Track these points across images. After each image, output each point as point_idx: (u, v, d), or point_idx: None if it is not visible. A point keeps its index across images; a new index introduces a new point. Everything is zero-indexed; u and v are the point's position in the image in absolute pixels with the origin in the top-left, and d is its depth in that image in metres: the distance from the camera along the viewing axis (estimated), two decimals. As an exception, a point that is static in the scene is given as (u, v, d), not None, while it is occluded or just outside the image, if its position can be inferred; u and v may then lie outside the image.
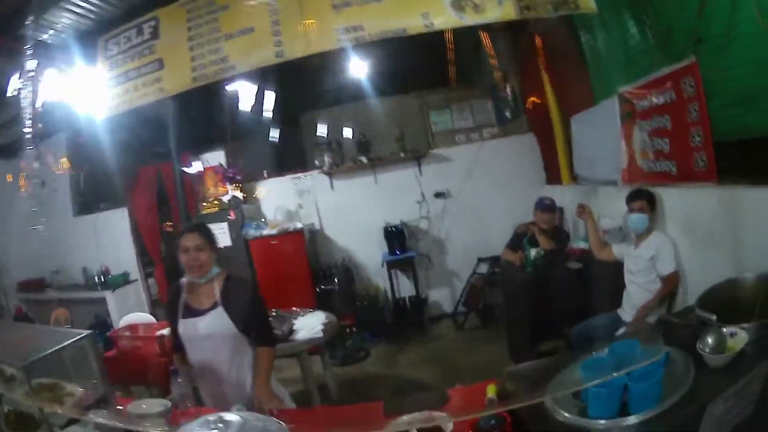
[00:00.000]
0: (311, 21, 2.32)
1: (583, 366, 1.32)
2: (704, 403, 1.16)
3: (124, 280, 4.91)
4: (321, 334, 2.95)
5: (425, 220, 4.97)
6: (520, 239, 3.63)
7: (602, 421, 1.16)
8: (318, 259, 5.01)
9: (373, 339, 4.73)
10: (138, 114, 3.54)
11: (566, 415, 1.24)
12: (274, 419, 1.25)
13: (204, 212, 4.68)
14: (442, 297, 5.03)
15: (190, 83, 2.45)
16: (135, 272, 5.01)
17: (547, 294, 2.98)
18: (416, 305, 4.95)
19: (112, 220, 4.99)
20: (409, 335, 4.74)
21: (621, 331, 2.56)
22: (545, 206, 3.58)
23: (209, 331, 1.98)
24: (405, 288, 5.10)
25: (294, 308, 3.38)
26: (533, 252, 3.44)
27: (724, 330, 1.41)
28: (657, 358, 1.19)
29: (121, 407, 1.72)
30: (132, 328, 3.39)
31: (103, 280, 4.88)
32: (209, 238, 2.05)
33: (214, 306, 1.99)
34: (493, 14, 2.56)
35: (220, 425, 1.09)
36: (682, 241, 2.51)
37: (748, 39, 1.94)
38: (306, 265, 4.60)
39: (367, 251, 5.08)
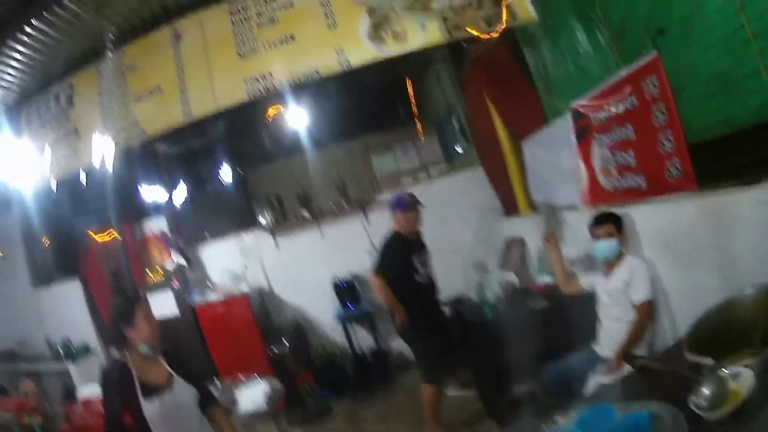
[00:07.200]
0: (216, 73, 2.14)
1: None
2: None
3: (86, 351, 4.79)
4: (265, 407, 2.82)
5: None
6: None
7: None
8: (270, 320, 4.80)
9: (335, 396, 4.41)
10: (78, 181, 3.41)
11: None
12: None
13: (150, 283, 4.64)
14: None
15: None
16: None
17: (511, 339, 2.65)
18: (378, 359, 4.61)
19: (68, 291, 4.83)
20: (374, 389, 4.37)
21: (596, 376, 2.19)
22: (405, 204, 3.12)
23: (181, 401, 1.95)
24: (366, 340, 4.75)
25: (240, 376, 3.14)
26: (489, 293, 3.01)
27: (724, 373, 1.14)
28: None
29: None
30: (85, 403, 3.37)
31: (67, 351, 4.75)
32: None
33: (170, 376, 1.97)
34: (417, 41, 2.30)
35: None
36: (662, 264, 2.22)
37: (717, 16, 1.70)
38: (254, 329, 4.39)
39: (320, 307, 4.81)
